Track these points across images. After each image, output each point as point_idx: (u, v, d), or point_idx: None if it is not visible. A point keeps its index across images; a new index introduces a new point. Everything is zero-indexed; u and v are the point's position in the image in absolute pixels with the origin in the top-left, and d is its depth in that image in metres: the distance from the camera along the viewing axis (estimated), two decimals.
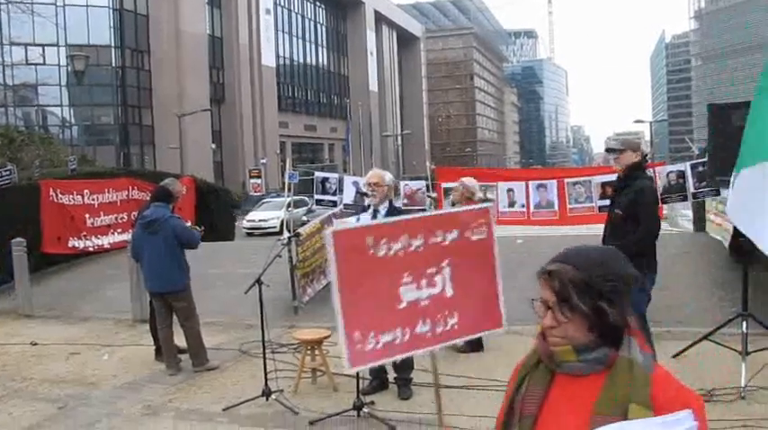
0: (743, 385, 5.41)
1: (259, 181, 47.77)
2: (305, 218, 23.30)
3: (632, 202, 5.40)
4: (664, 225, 7.09)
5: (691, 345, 6.35)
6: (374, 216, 5.72)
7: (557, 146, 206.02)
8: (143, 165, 48.51)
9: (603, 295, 1.53)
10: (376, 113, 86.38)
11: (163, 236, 6.87)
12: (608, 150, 5.68)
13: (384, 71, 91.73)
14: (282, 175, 57.25)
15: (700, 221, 16.05)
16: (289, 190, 12.04)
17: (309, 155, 73.74)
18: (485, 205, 3.39)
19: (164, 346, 7.18)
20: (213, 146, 55.96)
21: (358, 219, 5.54)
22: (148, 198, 11.07)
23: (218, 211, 17.39)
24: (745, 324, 5.85)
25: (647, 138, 71.63)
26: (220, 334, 8.66)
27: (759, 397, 5.36)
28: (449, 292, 2.96)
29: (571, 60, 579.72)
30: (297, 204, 22.48)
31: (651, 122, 71.65)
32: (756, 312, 6.26)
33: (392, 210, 5.81)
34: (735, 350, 5.82)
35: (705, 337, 6.30)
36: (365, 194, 5.86)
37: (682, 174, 8.54)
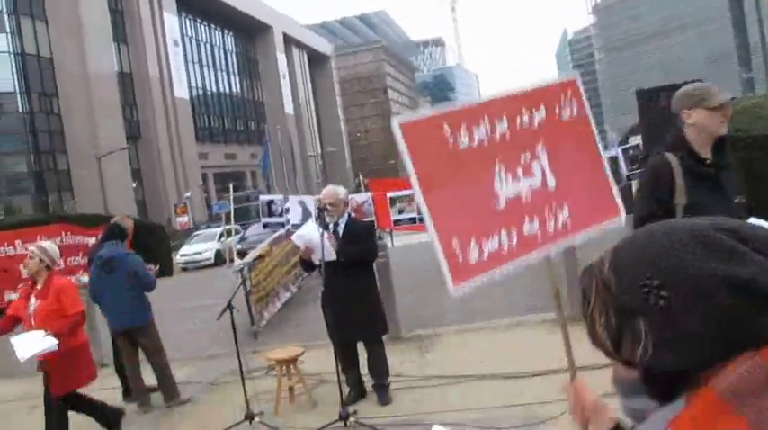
0: None
1: (186, 218, 46.78)
2: (239, 246, 23.09)
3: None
4: None
5: None
6: (335, 231, 5.91)
7: None
8: (63, 210, 47.08)
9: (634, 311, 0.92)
10: (295, 135, 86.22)
11: (122, 273, 6.77)
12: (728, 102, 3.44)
13: (298, 93, 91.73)
14: (208, 208, 56.42)
15: (628, 202, 16.88)
16: (228, 220, 12.05)
17: (233, 183, 72.92)
18: (569, 76, 2.76)
19: (133, 384, 7.07)
20: (134, 184, 54.83)
21: (322, 233, 5.60)
22: (85, 241, 10.93)
23: (156, 248, 17.13)
24: None
25: None
26: (183, 367, 8.54)
27: None
28: (551, 183, 2.43)
29: (480, 64, 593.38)
30: (229, 233, 22.30)
31: None
32: None
33: (350, 223, 6.04)
34: None
35: None
36: (325, 210, 5.94)
37: (614, 159, 8.94)
